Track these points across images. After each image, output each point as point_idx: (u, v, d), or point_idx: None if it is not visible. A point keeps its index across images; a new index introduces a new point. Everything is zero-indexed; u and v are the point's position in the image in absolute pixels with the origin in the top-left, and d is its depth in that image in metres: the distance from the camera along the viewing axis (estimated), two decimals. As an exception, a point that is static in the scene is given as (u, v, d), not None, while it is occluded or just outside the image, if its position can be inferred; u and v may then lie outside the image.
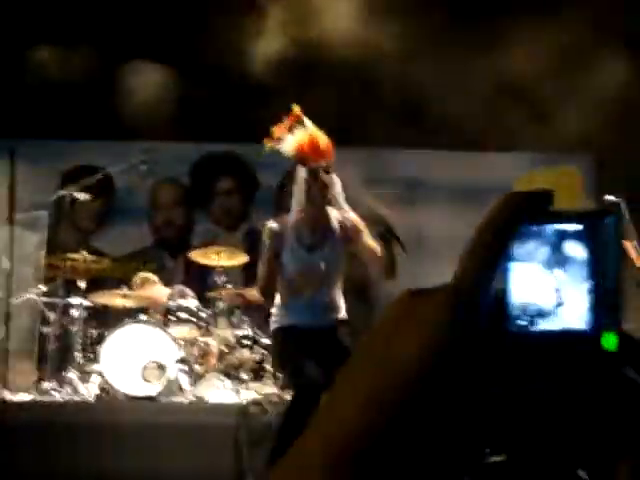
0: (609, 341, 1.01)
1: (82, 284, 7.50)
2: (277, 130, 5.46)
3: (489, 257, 0.98)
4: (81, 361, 7.23)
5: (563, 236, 1.01)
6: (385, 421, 0.87)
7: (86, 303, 7.46)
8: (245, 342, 7.35)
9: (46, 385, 7.18)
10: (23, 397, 6.91)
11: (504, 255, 0.95)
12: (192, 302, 7.68)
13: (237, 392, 7.08)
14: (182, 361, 7.19)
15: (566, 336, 1.03)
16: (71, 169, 9.15)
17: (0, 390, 6.96)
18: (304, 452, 0.87)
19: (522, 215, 0.97)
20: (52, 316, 7.53)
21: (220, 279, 7.61)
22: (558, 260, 1.00)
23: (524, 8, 8.63)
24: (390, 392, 0.89)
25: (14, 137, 8.41)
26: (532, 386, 0.98)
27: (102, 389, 7.06)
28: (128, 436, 6.44)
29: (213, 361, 7.51)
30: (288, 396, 7.32)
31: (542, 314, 0.99)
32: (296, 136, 5.42)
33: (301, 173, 5.51)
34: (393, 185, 9.69)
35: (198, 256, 7.85)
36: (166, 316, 7.48)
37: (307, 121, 5.44)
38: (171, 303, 7.65)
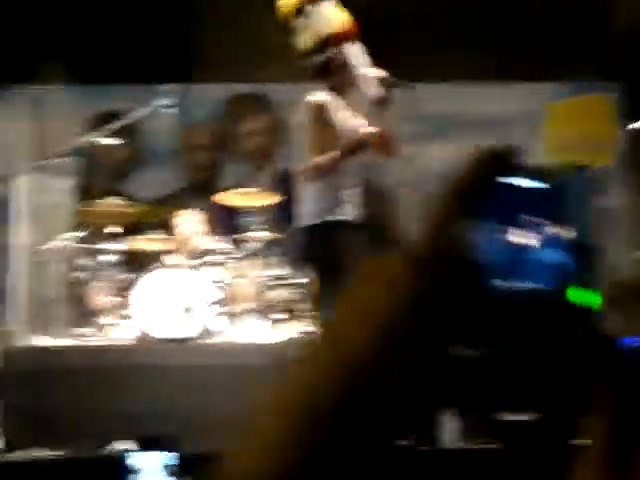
0: (575, 295, 0.99)
1: (115, 229, 7.50)
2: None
3: (456, 212, 0.97)
4: (114, 305, 7.25)
5: (534, 193, 0.99)
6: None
7: (120, 247, 7.46)
8: (280, 282, 7.34)
9: (84, 330, 7.21)
10: (61, 342, 6.95)
11: (472, 211, 0.94)
12: (224, 244, 7.67)
13: (274, 332, 7.09)
14: (216, 303, 7.19)
15: (536, 292, 1.01)
16: (96, 114, 9.12)
17: (40, 336, 7.00)
18: None
19: (490, 171, 0.96)
20: (85, 262, 7.54)
21: (251, 220, 7.58)
22: (528, 217, 0.98)
23: None
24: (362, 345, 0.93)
25: (38, 83, 8.41)
26: (502, 343, 0.98)
27: (140, 332, 7.08)
28: (165, 378, 6.47)
29: (248, 302, 7.51)
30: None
31: (513, 272, 0.98)
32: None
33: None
34: (422, 120, 9.60)
35: (229, 197, 7.82)
36: (199, 258, 7.47)
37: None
38: (204, 245, 7.64)
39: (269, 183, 8.99)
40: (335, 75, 5.19)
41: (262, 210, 7.69)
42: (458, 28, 8.99)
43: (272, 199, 7.74)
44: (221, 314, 7.25)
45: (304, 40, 5.26)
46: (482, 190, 0.96)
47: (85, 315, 7.41)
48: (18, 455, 5.39)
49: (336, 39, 5.19)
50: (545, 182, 1.01)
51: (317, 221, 5.25)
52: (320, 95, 5.16)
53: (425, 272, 0.93)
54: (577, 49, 9.10)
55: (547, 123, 9.79)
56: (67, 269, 7.60)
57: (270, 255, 7.56)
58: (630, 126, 5.93)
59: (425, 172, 9.33)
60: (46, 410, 6.01)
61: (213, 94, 9.60)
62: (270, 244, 7.59)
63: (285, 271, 7.42)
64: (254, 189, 7.82)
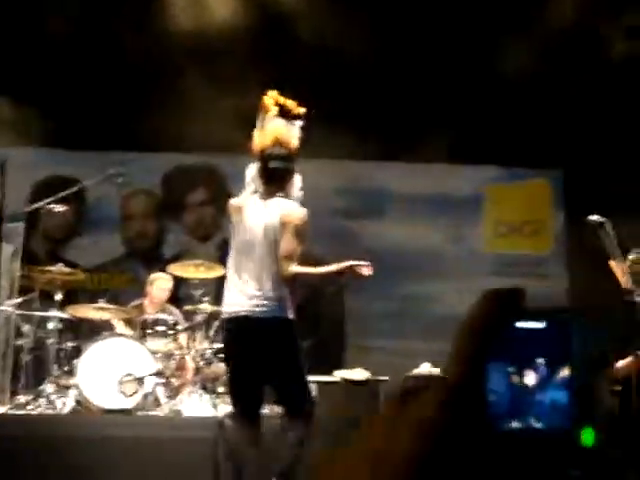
0: (587, 437, 1.06)
1: (57, 296, 7.42)
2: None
3: (475, 358, 1.05)
4: (57, 374, 7.17)
5: (535, 334, 1.06)
6: None
7: (62, 315, 7.39)
8: (222, 355, 7.32)
9: (21, 398, 7.10)
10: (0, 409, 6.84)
11: (487, 354, 1.00)
12: (169, 316, 7.65)
13: (214, 406, 7.06)
14: (159, 374, 7.15)
15: (546, 434, 1.08)
16: (44, 179, 9.09)
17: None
18: None
19: (504, 315, 1.03)
20: (27, 328, 7.45)
21: (197, 292, 7.58)
22: (533, 358, 1.05)
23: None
24: None
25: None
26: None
27: (78, 402, 7.00)
28: (104, 450, 6.39)
29: (190, 375, 7.49)
30: (265, 410, 7.32)
31: (520, 412, 1.04)
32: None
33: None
34: (361, 196, 9.74)
35: (177, 269, 7.80)
36: (143, 329, 7.44)
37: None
38: (147, 316, 7.61)
39: (212, 254, 9.00)
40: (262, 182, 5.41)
41: (209, 281, 7.69)
42: (407, 109, 9.18)
43: (219, 271, 7.75)
44: (163, 385, 7.21)
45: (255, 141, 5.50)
46: (496, 331, 1.03)
47: (27, 382, 7.30)
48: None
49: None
50: (546, 322, 1.08)
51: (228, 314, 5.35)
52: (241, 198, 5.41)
53: (449, 415, 0.99)
54: (519, 134, 9.33)
55: (487, 206, 9.98)
56: (10, 335, 7.50)
57: (212, 328, 7.55)
58: (589, 218, 6.08)
59: (368, 248, 9.47)
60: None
61: (159, 163, 9.63)
62: (212, 317, 7.58)
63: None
64: (202, 261, 7.82)
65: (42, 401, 7.01)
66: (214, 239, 9.62)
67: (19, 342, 7.49)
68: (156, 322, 7.50)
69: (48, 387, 7.07)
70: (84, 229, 9.47)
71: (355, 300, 9.40)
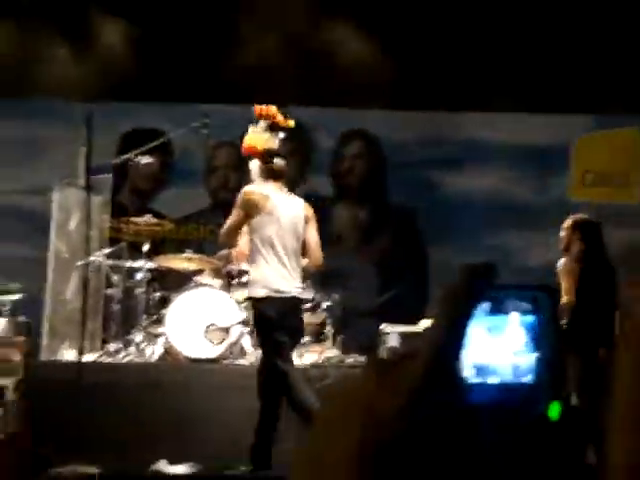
0: (553, 411, 1.06)
1: (145, 246, 7.55)
2: None
3: (454, 329, 1.06)
4: (145, 323, 7.30)
5: (510, 308, 1.07)
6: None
7: (150, 265, 7.52)
8: (307, 305, 7.38)
9: (112, 346, 7.26)
10: (90, 357, 6.99)
11: (465, 325, 1.01)
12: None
13: (299, 355, 7.12)
14: (244, 323, 7.24)
15: (514, 404, 1.08)
16: (131, 131, 9.20)
17: (69, 351, 7.05)
18: None
19: (478, 288, 1.04)
20: (116, 278, 7.60)
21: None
22: (507, 330, 1.06)
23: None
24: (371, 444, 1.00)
25: (82, 99, 8.52)
26: (481, 445, 1.03)
27: (165, 350, 7.13)
28: (190, 397, 6.50)
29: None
30: (350, 359, 7.39)
31: (493, 377, 1.04)
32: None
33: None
34: (447, 147, 9.66)
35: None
36: (229, 279, 7.52)
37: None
38: (233, 266, 7.69)
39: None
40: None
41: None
42: (500, 59, 9.07)
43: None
44: (249, 335, 7.30)
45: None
46: (477, 300, 1.05)
47: (116, 331, 7.45)
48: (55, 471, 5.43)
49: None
50: (524, 298, 1.11)
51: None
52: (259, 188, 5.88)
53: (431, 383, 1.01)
54: (609, 81, 9.15)
55: (575, 155, 9.83)
56: (100, 284, 7.65)
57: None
58: (573, 217, 6.35)
59: (454, 199, 9.42)
60: (74, 424, 6.03)
61: (242, 115, 9.65)
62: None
63: (311, 295, 7.45)
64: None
65: (131, 349, 7.16)
66: (296, 191, 9.63)
67: (109, 292, 7.64)
68: (241, 272, 7.57)
69: (137, 336, 7.22)
70: (171, 181, 9.57)
71: (439, 252, 9.36)
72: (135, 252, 7.60)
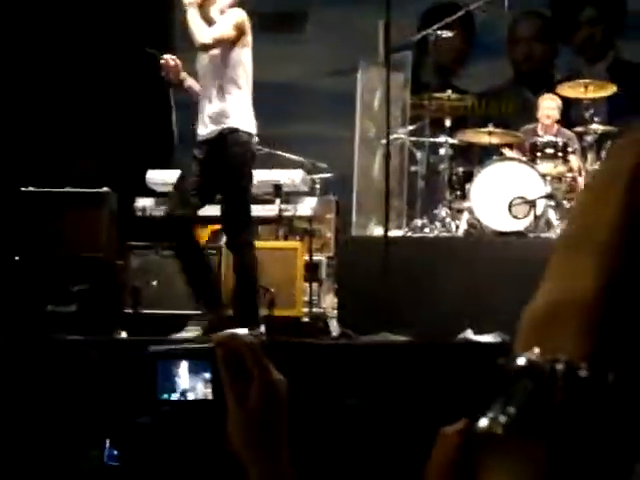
0: None
1: (447, 122, 7.57)
2: None
3: None
4: (450, 198, 7.36)
5: None
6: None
7: (452, 141, 7.54)
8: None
9: (417, 222, 7.40)
10: (397, 233, 7.15)
11: None
12: (559, 139, 7.55)
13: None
14: (550, 197, 7.13)
15: None
16: (431, 7, 9.16)
17: (378, 227, 7.24)
18: None
19: None
20: (420, 155, 7.68)
21: (587, 112, 7.41)
22: None
23: None
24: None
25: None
26: None
27: (471, 225, 7.17)
28: (496, 271, 6.50)
29: (581, 196, 7.35)
30: None
31: None
32: None
33: None
34: None
35: (566, 90, 7.66)
36: (533, 152, 7.41)
37: None
38: (537, 139, 7.56)
39: (603, 74, 8.71)
40: None
41: (599, 102, 7.49)
42: None
43: (610, 89, 7.52)
44: (555, 208, 7.19)
45: None
46: None
47: (421, 207, 7.58)
48: (365, 339, 5.64)
49: None
50: None
51: None
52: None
53: None
54: None
55: None
56: (403, 162, 7.77)
57: (603, 149, 7.36)
58: None
59: None
60: (385, 297, 6.21)
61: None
62: (603, 137, 7.40)
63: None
64: (590, 80, 7.60)
65: (437, 224, 7.26)
66: (605, 59, 9.27)
67: (413, 169, 7.75)
68: (546, 145, 7.44)
69: (442, 211, 7.30)
70: (472, 55, 9.48)
71: None
72: (437, 128, 7.64)
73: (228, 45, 5.75)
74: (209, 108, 5.80)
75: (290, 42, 9.90)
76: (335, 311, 6.71)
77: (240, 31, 5.75)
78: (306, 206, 7.18)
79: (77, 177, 7.19)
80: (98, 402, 4.71)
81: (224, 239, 6.20)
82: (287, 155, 7.70)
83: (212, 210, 5.90)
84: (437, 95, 7.68)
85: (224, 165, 5.74)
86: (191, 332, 5.67)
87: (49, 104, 8.96)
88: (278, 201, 6.99)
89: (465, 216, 7.20)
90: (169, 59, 5.92)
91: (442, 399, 4.49)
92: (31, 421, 4.78)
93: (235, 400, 1.20)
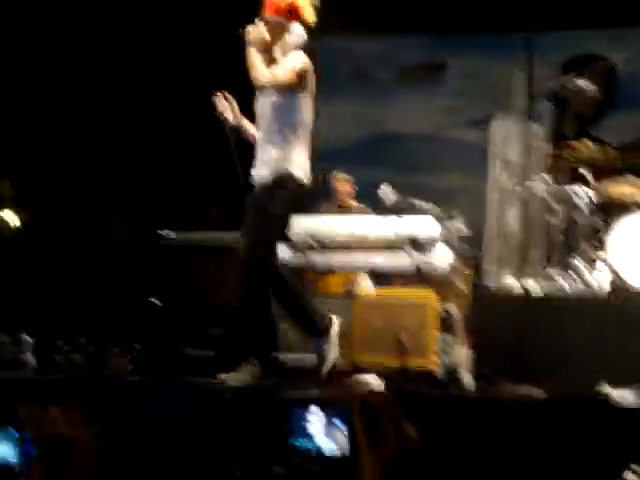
0: None
1: (586, 173, 7.44)
2: None
3: None
4: (587, 250, 7.20)
5: None
6: None
7: (590, 192, 7.40)
8: None
9: (551, 271, 7.24)
10: (532, 284, 7.03)
11: None
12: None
13: None
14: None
15: None
16: (572, 58, 9.07)
17: (511, 278, 7.15)
18: None
19: None
20: (557, 206, 7.56)
21: None
22: None
23: None
24: None
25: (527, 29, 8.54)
26: None
27: (612, 282, 6.97)
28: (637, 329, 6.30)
29: None
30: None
31: None
32: None
33: None
34: None
35: None
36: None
37: None
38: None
39: None
40: None
41: None
42: None
43: None
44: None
45: None
46: None
47: (557, 258, 7.44)
48: (492, 391, 5.57)
49: None
50: None
51: None
52: None
53: None
54: None
55: None
56: (540, 212, 7.66)
57: None
58: None
59: None
60: (521, 348, 6.10)
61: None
62: None
63: None
64: None
65: (571, 273, 7.08)
66: None
67: (550, 220, 7.62)
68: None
69: (577, 261, 7.13)
70: (613, 106, 9.32)
71: None
72: (575, 179, 7.52)
73: (287, 89, 5.64)
74: (263, 152, 5.72)
75: (428, 93, 9.92)
76: (467, 364, 6.63)
77: (300, 77, 5.64)
78: (441, 258, 7.09)
79: (207, 226, 7.25)
80: (232, 445, 4.77)
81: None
82: (423, 204, 7.68)
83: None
84: (575, 144, 7.58)
85: (270, 210, 5.64)
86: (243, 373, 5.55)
87: (184, 152, 9.19)
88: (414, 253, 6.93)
89: (602, 268, 7.02)
90: (223, 96, 5.85)
91: (584, 454, 4.41)
92: (152, 463, 4.86)
93: (370, 453, 1.21)
